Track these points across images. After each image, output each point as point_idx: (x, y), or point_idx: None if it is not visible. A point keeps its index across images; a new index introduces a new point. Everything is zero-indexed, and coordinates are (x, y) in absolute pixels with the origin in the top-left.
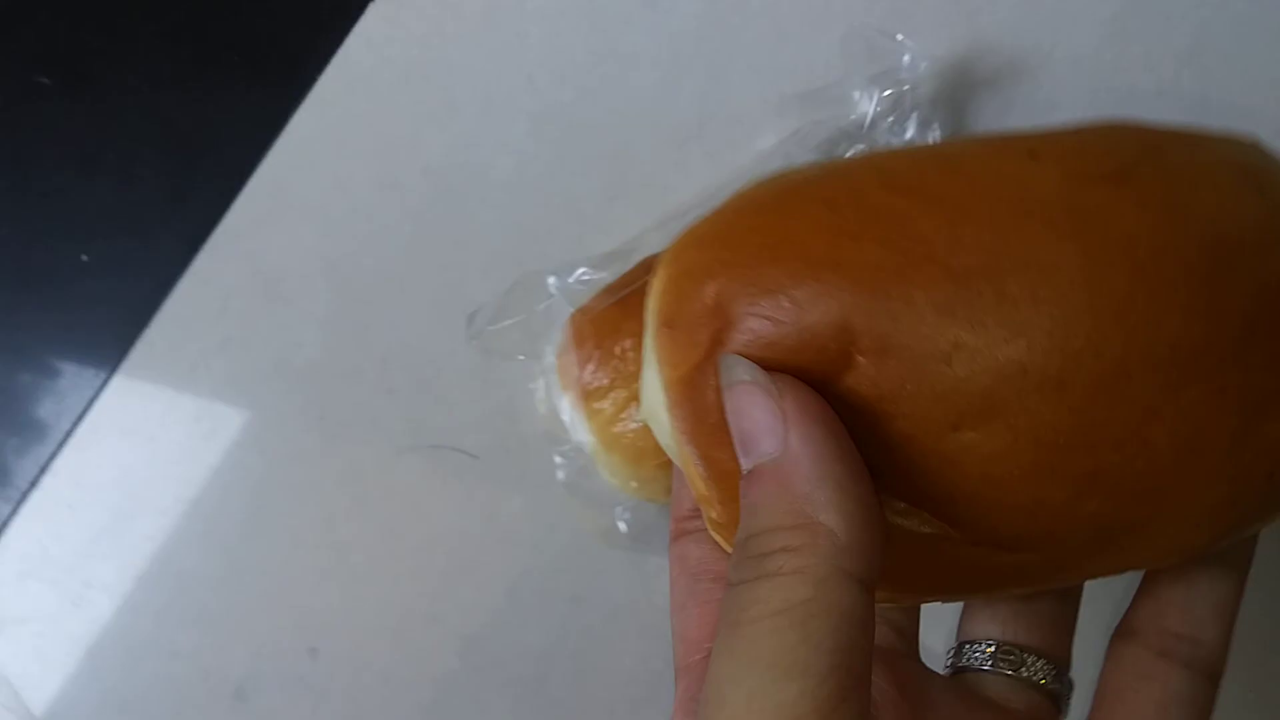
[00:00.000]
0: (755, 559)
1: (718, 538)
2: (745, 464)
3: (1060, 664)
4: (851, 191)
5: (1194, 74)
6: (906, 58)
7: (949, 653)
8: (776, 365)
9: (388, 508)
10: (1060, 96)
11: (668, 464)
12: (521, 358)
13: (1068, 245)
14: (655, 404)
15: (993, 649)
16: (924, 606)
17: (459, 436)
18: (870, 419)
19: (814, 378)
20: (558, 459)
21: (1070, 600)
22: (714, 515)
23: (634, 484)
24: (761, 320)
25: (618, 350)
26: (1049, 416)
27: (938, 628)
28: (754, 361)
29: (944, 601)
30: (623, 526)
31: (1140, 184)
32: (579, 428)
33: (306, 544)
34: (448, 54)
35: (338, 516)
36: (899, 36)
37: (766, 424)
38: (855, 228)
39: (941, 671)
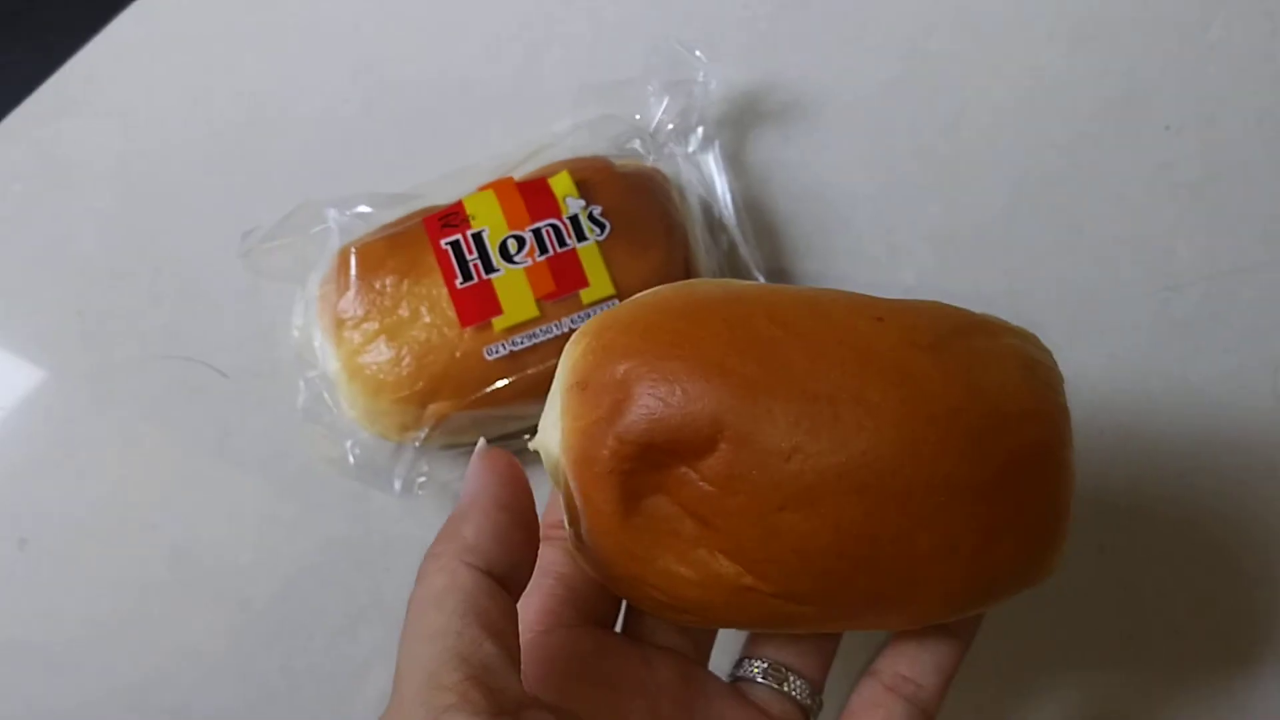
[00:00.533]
0: (422, 565)
1: (574, 553)
2: None
3: (815, 685)
4: (745, 317)
5: (949, 144)
6: (701, 74)
7: (732, 664)
8: (660, 437)
9: (127, 411)
10: (831, 140)
11: (402, 400)
12: (288, 282)
13: (892, 392)
14: (551, 442)
15: (765, 666)
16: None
17: (213, 353)
18: (719, 491)
19: (683, 450)
20: (302, 384)
21: (832, 639)
22: (578, 539)
23: (369, 417)
24: (655, 400)
25: (378, 284)
26: (850, 512)
27: (727, 645)
28: (644, 429)
29: (739, 629)
30: (351, 459)
31: (949, 357)
32: (327, 355)
33: (37, 434)
34: None
35: (75, 411)
36: (697, 53)
37: (469, 475)
38: (742, 346)
39: (724, 678)
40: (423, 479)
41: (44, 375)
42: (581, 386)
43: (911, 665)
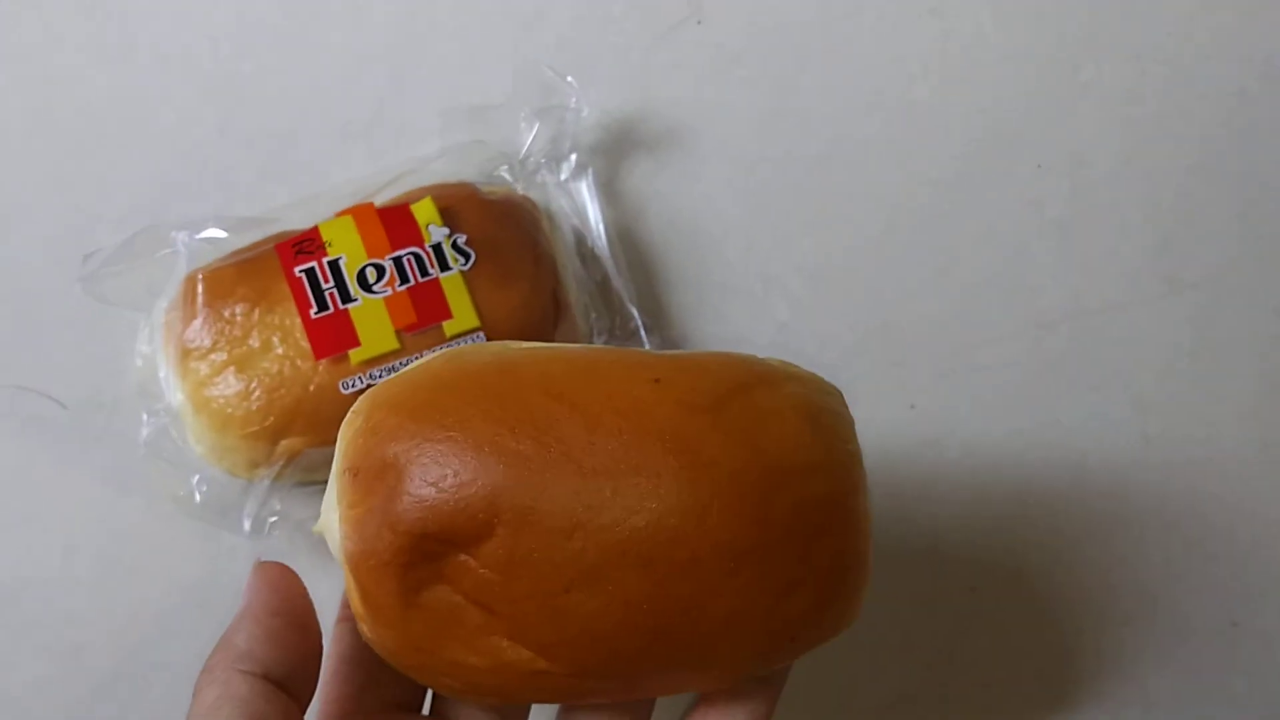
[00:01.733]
0: (198, 680)
1: (373, 646)
2: None
3: None
4: (517, 389)
5: (822, 177)
6: (573, 100)
7: None
8: (434, 525)
9: None
10: (705, 170)
11: (252, 436)
12: (132, 309)
13: (671, 460)
14: (331, 526)
15: None
16: None
17: (49, 382)
18: (501, 576)
19: (460, 537)
20: (144, 416)
21: (645, 705)
22: (364, 629)
23: (217, 453)
24: (426, 486)
25: (226, 313)
26: (637, 586)
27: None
28: (417, 518)
29: (545, 703)
30: (198, 497)
31: (728, 418)
32: (172, 387)
33: None
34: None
35: None
36: (569, 78)
37: (246, 587)
38: (515, 422)
39: None
40: (274, 518)
41: None
42: (353, 473)
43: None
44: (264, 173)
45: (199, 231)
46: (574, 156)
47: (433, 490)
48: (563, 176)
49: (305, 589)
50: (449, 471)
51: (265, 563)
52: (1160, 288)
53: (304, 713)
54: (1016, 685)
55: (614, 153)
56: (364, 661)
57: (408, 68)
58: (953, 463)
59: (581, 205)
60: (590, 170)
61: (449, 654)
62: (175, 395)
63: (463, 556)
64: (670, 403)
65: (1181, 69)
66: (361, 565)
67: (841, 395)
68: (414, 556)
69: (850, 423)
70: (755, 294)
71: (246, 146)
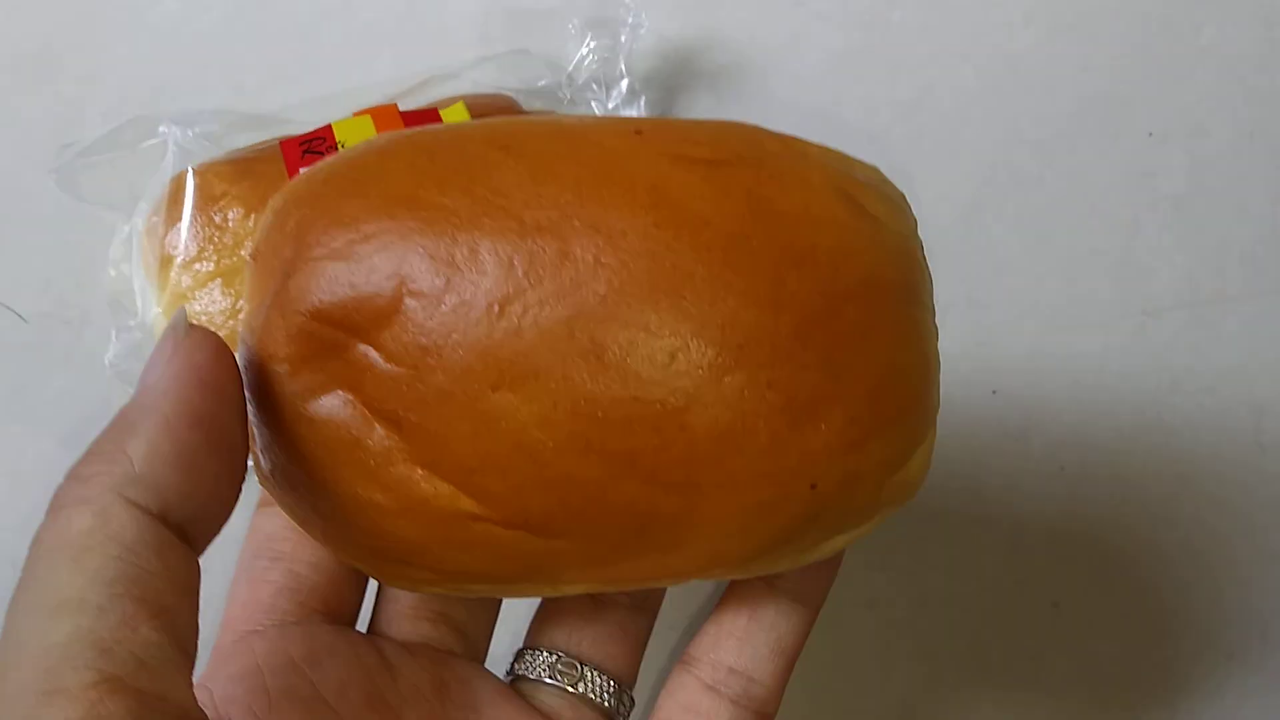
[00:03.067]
0: (64, 482)
1: (269, 489)
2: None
3: (622, 681)
4: (456, 141)
5: (907, 129)
6: (631, 16)
7: (512, 657)
8: (328, 299)
9: None
10: (772, 111)
11: None
12: (111, 211)
13: (640, 216)
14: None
15: (552, 659)
16: (504, 609)
17: (11, 292)
18: (410, 371)
19: (363, 319)
20: (113, 334)
21: (643, 614)
22: (263, 465)
23: None
24: (324, 252)
25: (218, 217)
26: (588, 386)
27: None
28: (308, 294)
29: (490, 595)
30: None
31: (730, 174)
32: (148, 300)
33: None
34: None
35: None
36: None
37: (153, 360)
38: (443, 173)
39: (503, 678)
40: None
41: None
42: (254, 258)
43: (739, 649)
44: (276, 73)
45: (194, 125)
46: (625, 82)
47: (329, 256)
48: (611, 104)
49: (242, 389)
50: (352, 233)
51: (196, 329)
52: None
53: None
54: (1103, 715)
55: (671, 83)
56: (284, 556)
57: None
58: (1038, 459)
59: None
60: (643, 99)
61: (349, 488)
62: (150, 310)
63: (362, 347)
64: (652, 152)
65: None
66: (249, 369)
67: (905, 198)
68: (307, 348)
69: (913, 221)
70: None
71: (257, 44)
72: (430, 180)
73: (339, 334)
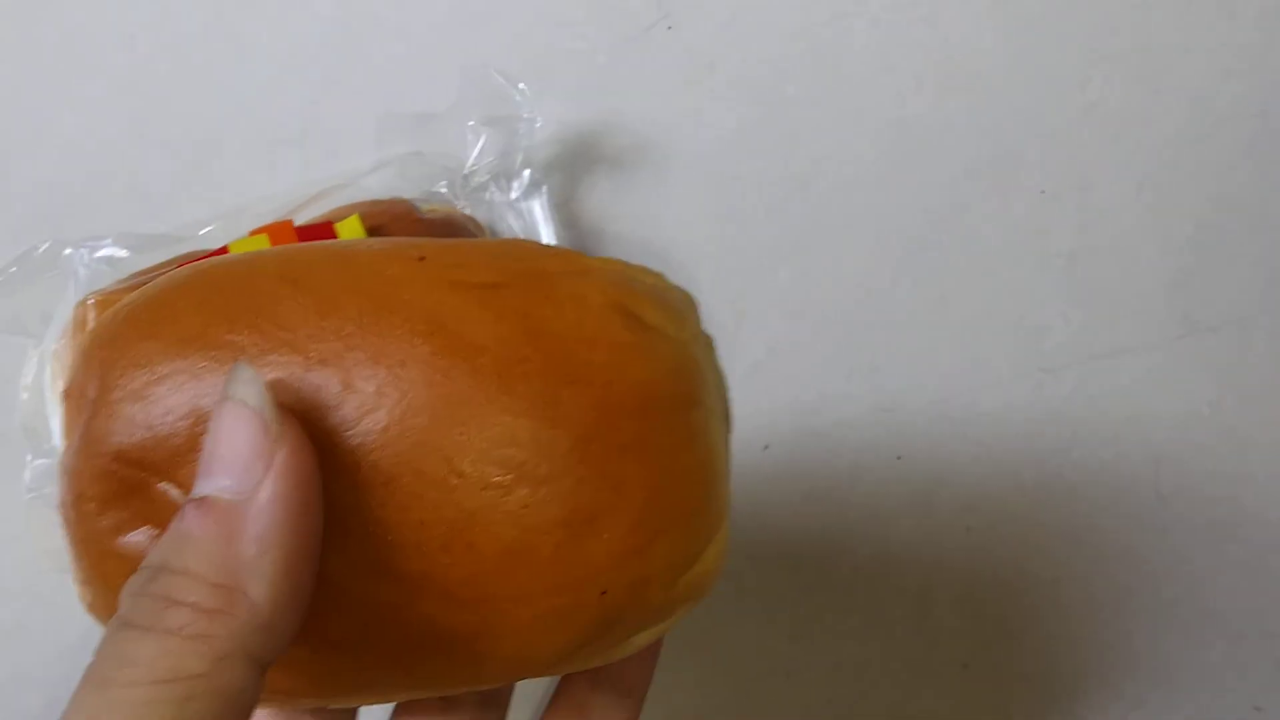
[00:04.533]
0: (158, 600)
1: (95, 619)
2: (199, 487)
3: None
4: (247, 275)
5: (804, 201)
6: (526, 110)
7: None
8: (128, 439)
9: None
10: (673, 193)
11: None
12: (20, 335)
13: (420, 345)
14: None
15: None
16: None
17: None
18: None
19: (163, 458)
20: (28, 458)
21: (493, 709)
22: (85, 596)
23: None
24: (123, 394)
25: None
26: (380, 514)
27: None
28: (110, 435)
29: (321, 706)
30: None
31: (506, 297)
32: (60, 430)
33: None
34: None
35: None
36: (521, 85)
37: (245, 461)
38: (231, 310)
39: None
40: None
41: None
42: (66, 396)
43: None
44: (181, 184)
45: (97, 249)
46: (527, 173)
47: (126, 399)
48: (513, 195)
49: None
50: (147, 374)
51: (289, 425)
52: (1177, 328)
53: None
54: None
55: (572, 169)
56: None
57: (343, 69)
58: (945, 521)
59: (533, 227)
60: (545, 188)
61: None
62: (60, 438)
63: (163, 485)
64: (431, 279)
65: (1197, 88)
66: (63, 506)
67: (690, 299)
68: (112, 488)
69: (695, 324)
70: (728, 330)
71: (161, 154)
72: (220, 317)
73: (139, 473)
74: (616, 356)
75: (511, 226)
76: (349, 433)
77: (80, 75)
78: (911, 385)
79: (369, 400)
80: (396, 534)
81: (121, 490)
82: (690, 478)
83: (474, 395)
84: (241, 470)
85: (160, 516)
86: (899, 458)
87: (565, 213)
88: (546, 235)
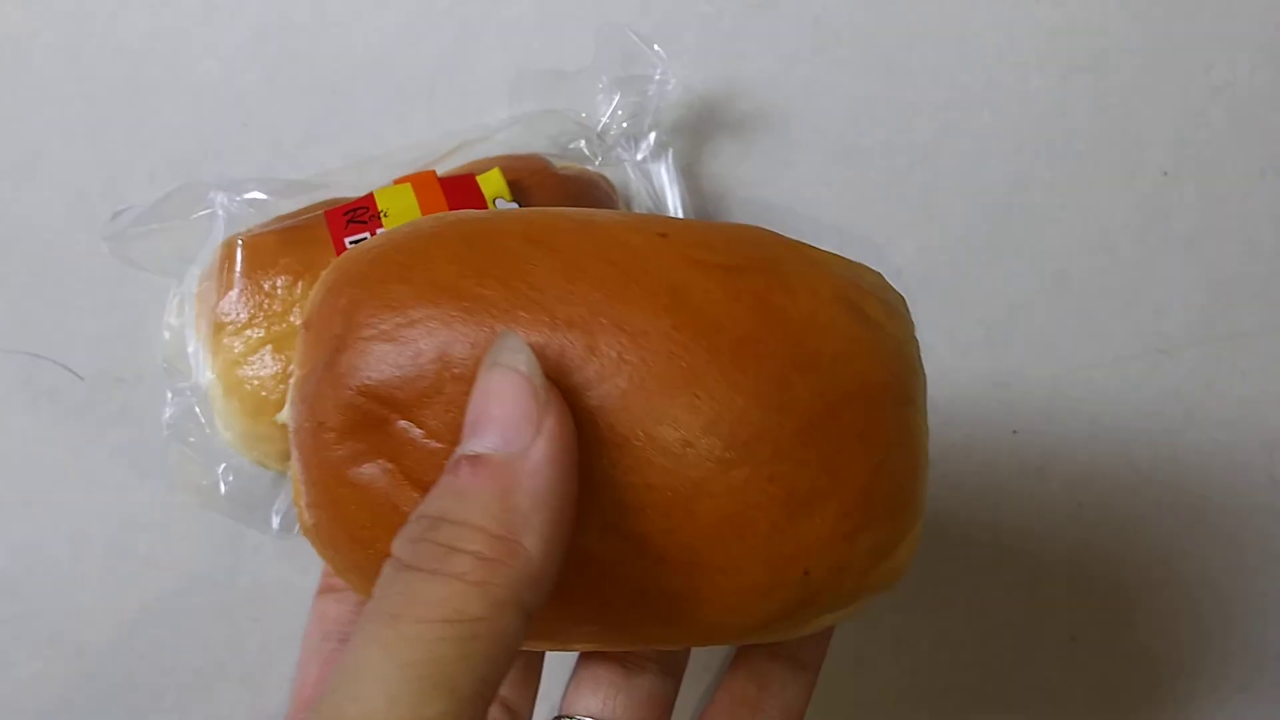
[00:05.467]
0: (441, 548)
1: (313, 542)
2: (470, 445)
3: None
4: (492, 233)
5: (926, 172)
6: (659, 73)
7: None
8: (375, 376)
9: None
10: (796, 158)
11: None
12: (162, 274)
13: (662, 318)
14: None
15: None
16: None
17: (67, 350)
18: (449, 445)
19: (405, 397)
20: (169, 395)
21: (670, 679)
22: (307, 519)
23: (247, 440)
24: (373, 332)
25: (267, 285)
26: (610, 473)
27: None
28: (357, 371)
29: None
30: (223, 488)
31: (744, 280)
32: (201, 365)
33: None
34: None
35: None
36: (656, 47)
37: (516, 421)
38: (483, 264)
39: None
40: None
41: None
42: (306, 327)
43: (752, 715)
44: (312, 132)
45: (240, 192)
46: (654, 134)
47: (377, 338)
48: (640, 156)
49: None
50: (400, 315)
51: (555, 396)
52: None
53: None
54: None
55: (697, 133)
56: (341, 639)
57: (475, 25)
58: (1056, 495)
59: (659, 188)
60: (670, 151)
61: (384, 549)
62: (205, 374)
63: (403, 422)
64: (674, 255)
65: None
66: (299, 432)
67: (904, 301)
68: (353, 419)
69: (909, 326)
70: None
71: (295, 102)
72: (471, 270)
73: (383, 409)
74: (845, 347)
75: (637, 187)
76: (589, 393)
77: (217, 23)
78: (1028, 361)
79: (610, 365)
80: (623, 494)
81: (363, 423)
82: (900, 472)
83: (709, 370)
84: (513, 431)
85: (396, 452)
86: (1014, 432)
87: (690, 175)
88: (672, 198)
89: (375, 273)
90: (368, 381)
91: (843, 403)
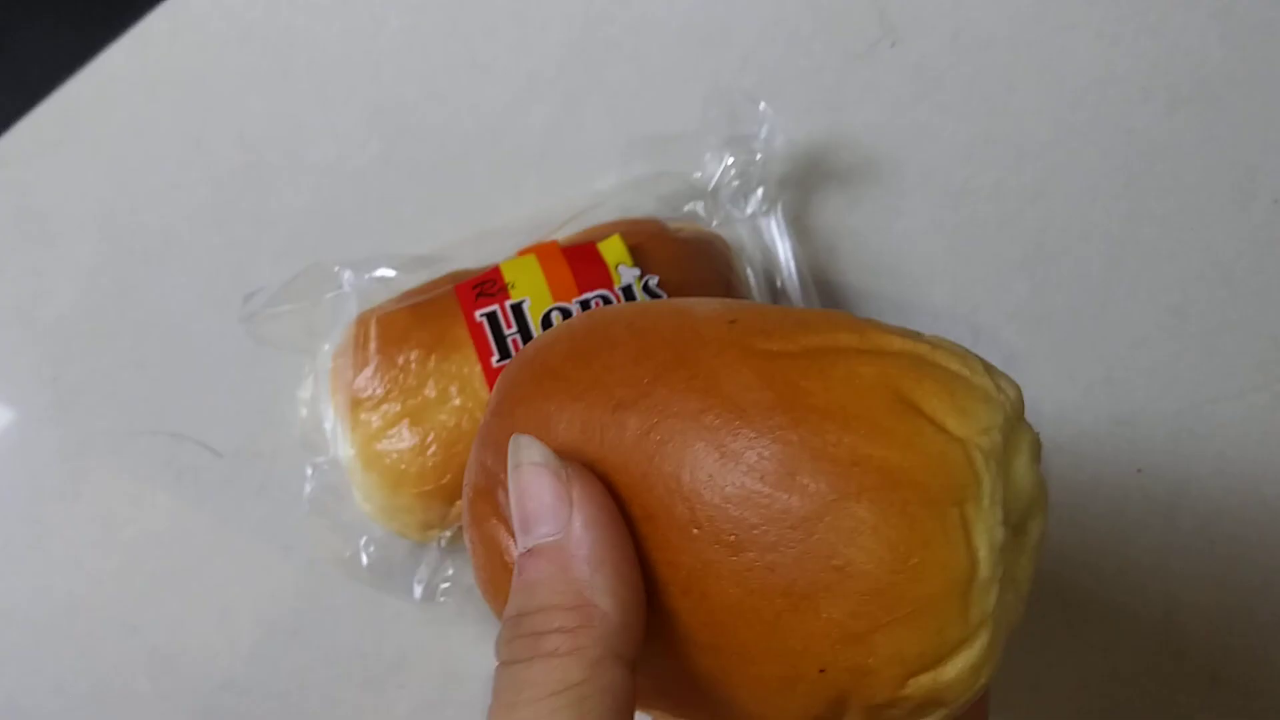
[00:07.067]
0: (529, 638)
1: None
2: (524, 542)
3: None
4: (607, 322)
5: (1036, 213)
6: (765, 129)
7: None
8: (492, 448)
9: (105, 493)
10: (905, 206)
11: (427, 495)
12: (294, 352)
13: (693, 401)
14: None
15: None
16: None
17: (206, 429)
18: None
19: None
20: (309, 471)
21: None
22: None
23: (387, 512)
24: (496, 406)
25: (400, 360)
26: (640, 547)
27: None
28: (485, 437)
29: None
30: (365, 559)
31: (782, 367)
32: (340, 439)
33: (3, 518)
34: (295, 20)
35: (44, 491)
36: (762, 105)
37: (550, 506)
38: (579, 351)
39: None
40: (446, 584)
41: (9, 448)
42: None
43: None
44: (428, 204)
45: (367, 270)
46: (761, 189)
47: (494, 411)
48: (749, 211)
49: None
50: (511, 396)
51: (576, 470)
52: None
53: None
54: None
55: (804, 185)
56: None
57: (580, 93)
58: (1187, 533)
59: (770, 243)
60: (779, 205)
61: (505, 600)
62: (343, 449)
63: (501, 492)
64: (729, 341)
65: None
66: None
67: (1006, 403)
68: (481, 483)
69: (991, 425)
70: (963, 342)
71: (410, 176)
72: (570, 356)
73: (493, 476)
74: (868, 439)
75: (748, 243)
76: (625, 470)
77: (332, 106)
78: (1150, 397)
79: (639, 442)
80: (651, 570)
81: (485, 487)
82: (924, 576)
83: (724, 454)
84: (550, 515)
85: (504, 513)
86: (1139, 470)
87: (799, 227)
88: (783, 252)
89: (523, 352)
90: (483, 454)
91: (856, 495)
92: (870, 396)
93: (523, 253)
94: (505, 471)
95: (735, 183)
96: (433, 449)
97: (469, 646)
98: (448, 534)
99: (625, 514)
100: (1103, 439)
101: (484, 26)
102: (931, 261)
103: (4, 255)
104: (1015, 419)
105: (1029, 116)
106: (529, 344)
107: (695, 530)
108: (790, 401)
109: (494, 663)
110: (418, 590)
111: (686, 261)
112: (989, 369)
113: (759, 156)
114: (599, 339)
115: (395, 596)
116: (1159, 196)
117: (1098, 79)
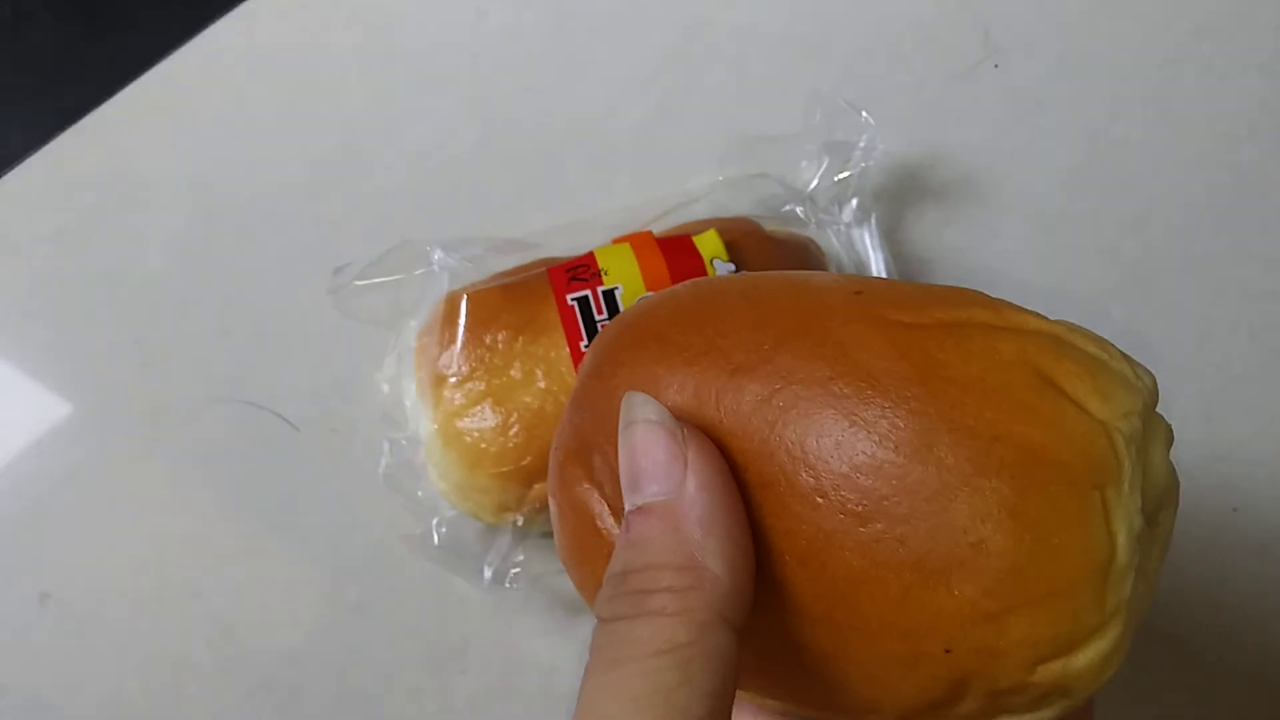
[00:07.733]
0: (635, 595)
1: (561, 561)
2: (633, 500)
3: None
4: (720, 290)
5: (1136, 243)
6: (864, 139)
7: None
8: (591, 412)
9: (180, 458)
10: (1002, 227)
11: (505, 476)
12: (379, 328)
13: (821, 368)
14: None
15: None
16: None
17: (283, 401)
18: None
19: (607, 433)
20: (386, 445)
21: None
22: (556, 540)
23: (462, 492)
24: (594, 370)
25: (488, 339)
26: (754, 516)
27: None
28: (582, 402)
29: None
30: (436, 539)
31: (917, 337)
32: (421, 416)
33: (73, 474)
34: (399, 6)
35: (119, 453)
36: (864, 114)
37: (664, 465)
38: (692, 317)
39: None
40: (516, 570)
41: (89, 408)
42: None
43: None
44: (520, 195)
45: (458, 250)
46: (856, 200)
47: (592, 374)
48: (844, 221)
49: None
50: (614, 359)
51: (693, 433)
52: None
53: None
54: None
55: (899, 199)
56: None
57: (680, 94)
58: None
59: (863, 253)
60: (874, 216)
61: (592, 568)
62: (424, 425)
63: (597, 457)
64: (858, 311)
65: None
66: (551, 453)
67: (1145, 390)
68: (574, 447)
69: (1129, 409)
70: None
71: (504, 166)
72: (682, 321)
73: (589, 441)
74: (1009, 415)
75: (840, 253)
76: (741, 436)
77: (431, 92)
78: (1248, 435)
79: (759, 408)
80: (764, 538)
81: (580, 451)
82: (1063, 558)
83: (855, 422)
84: (663, 473)
85: (599, 479)
86: (1234, 509)
87: (893, 241)
88: (875, 264)
89: (621, 318)
90: (580, 417)
91: (995, 471)
92: (1010, 372)
93: (617, 240)
94: (602, 434)
95: (829, 188)
96: (514, 430)
97: (533, 637)
98: (521, 518)
99: (739, 480)
100: (1198, 476)
101: (585, 24)
102: (1027, 284)
103: (99, 217)
104: (1152, 407)
105: (1131, 146)
106: (624, 311)
107: (819, 499)
108: (926, 372)
109: (556, 655)
110: (487, 574)
111: (780, 262)
112: (1125, 356)
113: (863, 164)
114: (710, 305)
115: (463, 578)
116: (1261, 234)
117: (1204, 113)
